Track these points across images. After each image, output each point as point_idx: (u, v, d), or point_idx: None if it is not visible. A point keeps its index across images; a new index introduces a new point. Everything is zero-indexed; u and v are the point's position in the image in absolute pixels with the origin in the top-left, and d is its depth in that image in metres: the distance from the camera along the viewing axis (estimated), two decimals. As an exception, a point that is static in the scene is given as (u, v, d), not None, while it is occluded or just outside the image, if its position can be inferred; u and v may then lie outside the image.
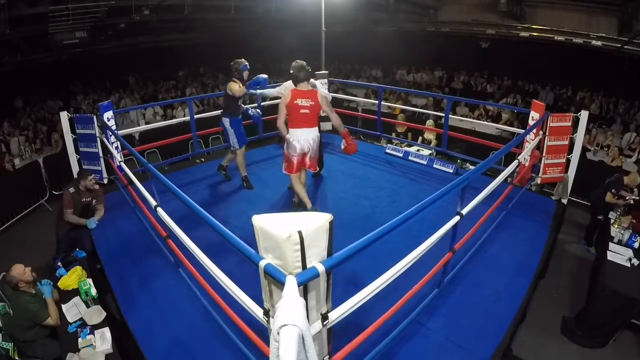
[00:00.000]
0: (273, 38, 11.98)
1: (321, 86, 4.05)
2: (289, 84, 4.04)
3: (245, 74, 4.44)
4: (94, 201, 4.02)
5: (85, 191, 3.93)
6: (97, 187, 4.10)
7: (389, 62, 13.29)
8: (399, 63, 13.20)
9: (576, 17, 8.75)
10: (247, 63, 4.44)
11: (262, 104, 5.88)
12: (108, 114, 4.53)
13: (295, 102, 3.62)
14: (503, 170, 3.30)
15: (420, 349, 2.53)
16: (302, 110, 3.64)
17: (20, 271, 2.84)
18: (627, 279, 3.31)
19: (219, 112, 6.13)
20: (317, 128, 3.80)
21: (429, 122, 6.91)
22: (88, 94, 10.81)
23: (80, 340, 2.64)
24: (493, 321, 2.74)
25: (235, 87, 4.34)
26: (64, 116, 4.49)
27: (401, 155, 5.70)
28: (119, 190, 4.39)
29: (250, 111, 4.62)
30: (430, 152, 5.90)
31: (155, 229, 3.19)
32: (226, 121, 4.55)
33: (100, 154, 4.57)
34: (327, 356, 1.78)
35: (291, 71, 3.65)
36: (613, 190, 4.48)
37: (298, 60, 3.64)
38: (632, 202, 4.56)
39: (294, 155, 3.76)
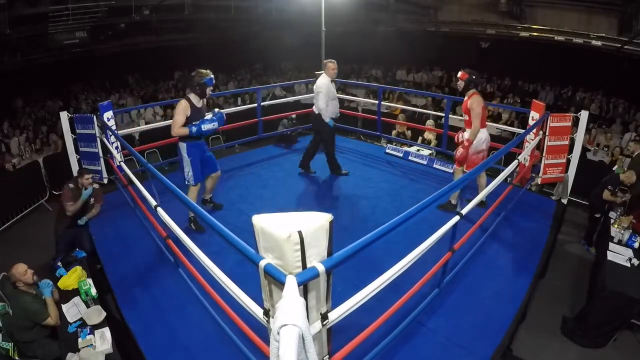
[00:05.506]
0: (273, 38, 11.97)
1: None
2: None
3: (209, 91, 3.56)
4: (92, 199, 4.07)
5: (83, 189, 3.97)
6: (96, 186, 4.17)
7: (389, 62, 13.27)
8: (399, 63, 13.19)
9: (576, 17, 8.76)
10: (212, 76, 3.55)
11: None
12: (108, 114, 4.52)
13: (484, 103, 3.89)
14: (503, 170, 3.29)
15: (420, 349, 2.54)
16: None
17: (22, 271, 2.86)
18: (627, 279, 3.30)
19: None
20: None
21: (429, 122, 6.91)
22: (88, 94, 10.80)
23: (80, 340, 2.64)
24: (493, 321, 2.74)
25: (179, 110, 3.45)
26: (64, 116, 4.49)
27: (401, 155, 5.70)
28: (119, 190, 4.39)
29: (204, 126, 3.52)
30: (430, 152, 5.89)
31: (155, 229, 3.19)
32: (182, 147, 3.62)
33: (100, 154, 4.57)
34: (327, 356, 1.77)
35: (474, 77, 3.85)
36: (610, 187, 4.49)
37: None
38: (627, 199, 4.55)
39: (481, 154, 3.92)
